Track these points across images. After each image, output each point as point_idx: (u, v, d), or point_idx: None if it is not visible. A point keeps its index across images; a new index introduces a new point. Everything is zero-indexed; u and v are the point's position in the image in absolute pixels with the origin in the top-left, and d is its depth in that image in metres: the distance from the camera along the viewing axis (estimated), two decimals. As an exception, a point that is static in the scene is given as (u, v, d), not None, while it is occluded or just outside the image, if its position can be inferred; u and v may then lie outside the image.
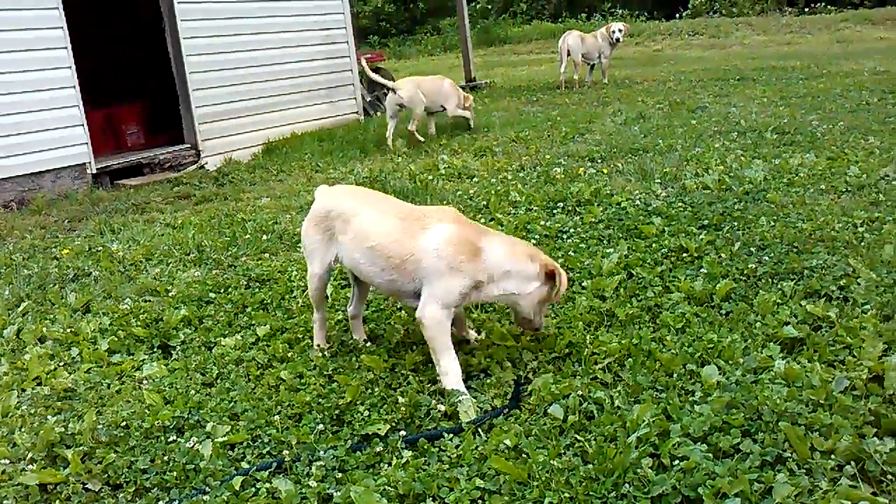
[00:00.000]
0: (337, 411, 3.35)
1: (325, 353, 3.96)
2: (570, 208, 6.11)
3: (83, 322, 4.65)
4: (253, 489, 2.89)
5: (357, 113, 12.38)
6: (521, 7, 32.59)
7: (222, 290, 5.04)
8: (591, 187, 6.42)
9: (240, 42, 10.58)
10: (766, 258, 4.59)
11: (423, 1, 34.07)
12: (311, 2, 11.64)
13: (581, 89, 13.59)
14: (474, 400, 3.34)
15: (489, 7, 32.49)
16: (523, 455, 2.89)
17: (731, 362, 3.41)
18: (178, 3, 9.78)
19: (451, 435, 3.09)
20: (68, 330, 4.58)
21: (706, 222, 5.36)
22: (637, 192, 6.33)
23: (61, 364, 4.18)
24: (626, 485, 2.64)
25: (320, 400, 3.44)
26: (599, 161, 7.72)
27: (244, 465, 3.07)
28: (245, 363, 3.96)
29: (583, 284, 4.49)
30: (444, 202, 6.44)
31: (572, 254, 4.97)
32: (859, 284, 4.07)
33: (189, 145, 10.21)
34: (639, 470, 2.70)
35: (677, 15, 27.49)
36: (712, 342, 3.56)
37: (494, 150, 8.78)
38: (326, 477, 2.91)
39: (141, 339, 4.38)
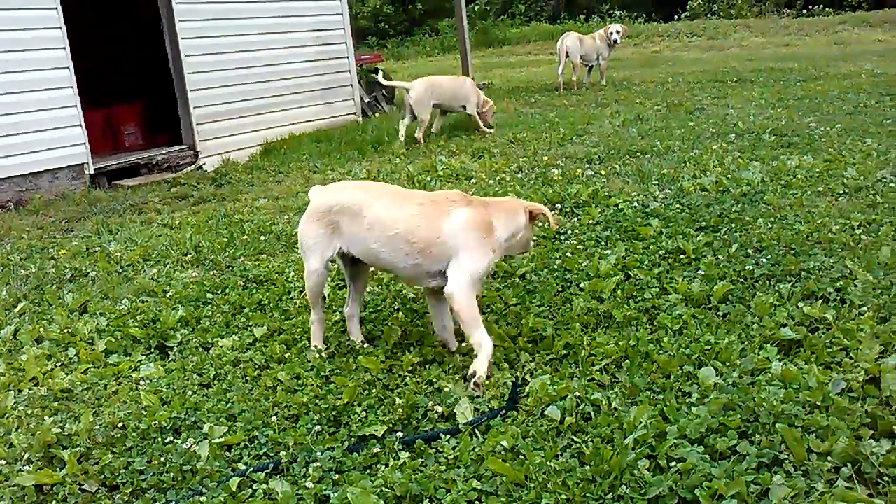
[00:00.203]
0: (334, 412, 3.35)
1: (323, 353, 3.96)
2: (567, 210, 6.11)
3: (80, 323, 4.65)
4: (250, 490, 2.89)
5: (355, 114, 12.38)
6: (519, 8, 32.61)
7: (220, 291, 5.04)
8: (588, 189, 6.43)
9: (238, 43, 10.57)
10: (764, 260, 4.60)
11: (422, 2, 34.07)
12: (310, 3, 11.64)
13: (579, 91, 13.60)
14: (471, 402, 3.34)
15: (488, 8, 32.51)
16: (520, 456, 2.89)
17: (728, 364, 3.41)
18: (177, 3, 9.78)
19: (448, 436, 3.09)
20: (65, 330, 4.58)
21: (704, 224, 5.37)
22: (635, 193, 6.33)
23: (58, 365, 4.18)
24: (623, 486, 2.64)
25: (317, 401, 3.44)
26: (597, 162, 7.73)
27: (241, 466, 3.06)
28: (242, 364, 3.96)
29: (580, 286, 4.49)
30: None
31: (570, 255, 4.97)
32: (856, 286, 4.07)
33: (187, 146, 10.20)
34: (635, 471, 2.70)
35: (675, 17, 27.51)
36: (709, 344, 3.57)
37: (492, 152, 8.79)
38: (323, 478, 2.91)
39: (138, 339, 4.38)
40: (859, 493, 2.51)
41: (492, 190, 6.82)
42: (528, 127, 10.24)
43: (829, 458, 2.68)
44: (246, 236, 6.21)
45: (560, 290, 4.52)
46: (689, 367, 3.41)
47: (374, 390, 3.52)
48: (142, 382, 3.90)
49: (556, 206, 6.19)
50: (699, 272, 4.50)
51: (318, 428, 3.25)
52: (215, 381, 3.82)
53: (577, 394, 3.25)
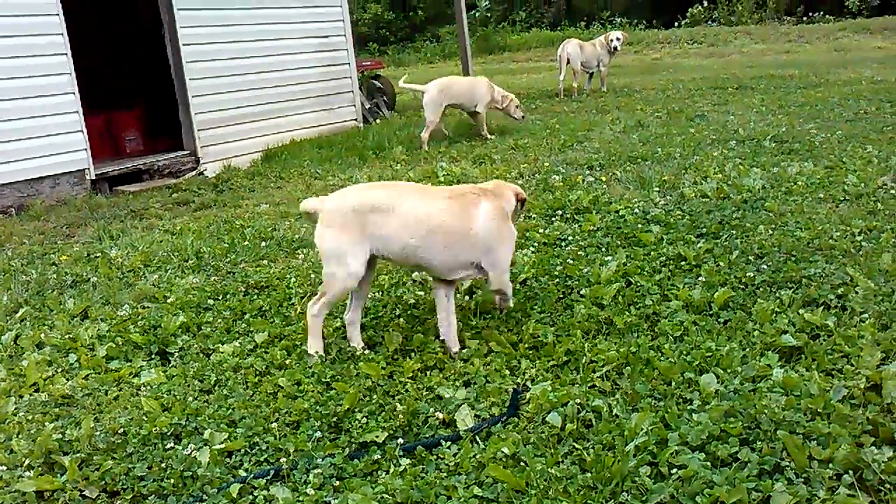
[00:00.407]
0: (335, 419, 3.35)
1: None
2: (568, 216, 6.12)
3: (81, 328, 4.65)
4: (250, 497, 2.89)
5: (356, 120, 12.40)
6: (520, 15, 32.68)
7: (221, 297, 5.04)
8: (589, 195, 6.43)
9: (240, 49, 10.60)
10: (765, 266, 4.60)
11: (423, 9, 34.15)
12: (311, 9, 11.67)
13: (580, 97, 13.62)
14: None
15: (488, 15, 32.56)
16: (521, 463, 2.89)
17: (729, 371, 3.41)
18: (179, 9, 9.80)
19: (449, 443, 3.09)
20: (66, 336, 4.57)
21: (704, 230, 5.37)
22: (635, 200, 6.34)
23: (59, 370, 4.18)
24: (625, 493, 2.64)
25: (318, 407, 3.44)
26: (598, 169, 7.73)
27: (242, 472, 3.06)
28: (243, 370, 3.95)
29: (581, 292, 4.49)
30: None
31: (571, 262, 4.98)
32: (857, 293, 4.07)
33: (188, 152, 10.21)
34: (637, 478, 2.70)
35: (676, 24, 27.55)
36: (710, 350, 3.57)
37: (493, 158, 8.80)
38: (324, 485, 2.91)
39: (139, 345, 4.38)
40: (861, 500, 2.51)
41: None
42: (529, 133, 10.25)
43: (830, 465, 2.67)
44: (247, 242, 6.21)
45: (561, 296, 4.52)
46: (691, 373, 3.41)
47: (374, 396, 3.52)
48: (143, 388, 3.89)
49: (557, 212, 6.19)
50: (700, 279, 4.50)
51: (318, 434, 3.25)
52: (216, 387, 3.81)
53: (579, 400, 3.25)
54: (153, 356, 4.29)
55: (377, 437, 3.17)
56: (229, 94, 10.51)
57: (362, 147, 10.22)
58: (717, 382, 3.30)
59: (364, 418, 3.33)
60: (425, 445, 3.08)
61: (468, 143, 10.01)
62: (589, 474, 2.76)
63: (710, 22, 27.57)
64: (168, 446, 3.27)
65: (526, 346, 3.89)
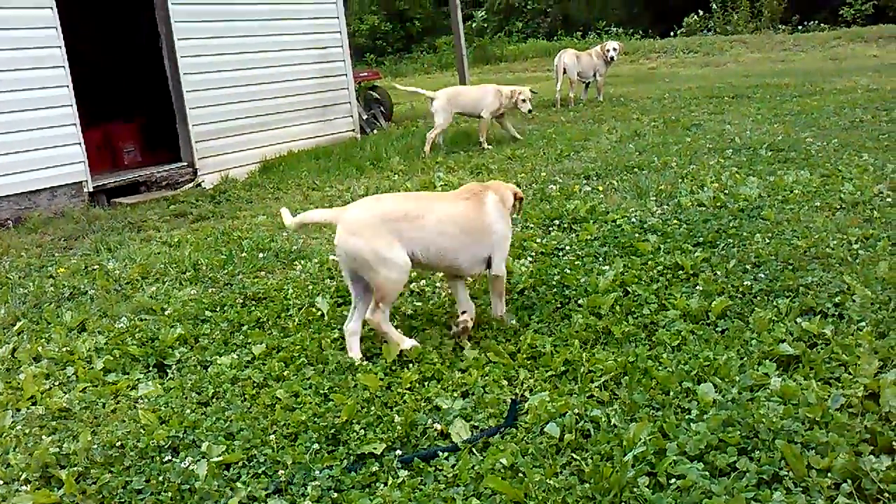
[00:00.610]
0: (332, 430, 3.34)
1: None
2: (565, 226, 6.13)
3: (79, 341, 4.64)
4: (248, 509, 2.88)
5: (353, 131, 12.42)
6: (516, 25, 32.77)
7: (218, 309, 5.04)
8: (586, 205, 6.45)
9: (237, 60, 10.63)
10: (762, 275, 4.61)
11: (419, 20, 34.22)
12: (309, 20, 11.71)
13: (576, 107, 13.66)
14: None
15: (485, 26, 32.66)
16: (520, 474, 2.88)
17: (727, 380, 3.41)
18: (176, 21, 9.83)
19: (447, 454, 3.08)
20: (64, 349, 4.57)
21: (701, 239, 5.38)
22: (632, 209, 6.35)
23: (56, 383, 4.17)
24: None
25: (316, 419, 3.43)
26: (595, 178, 7.75)
27: (239, 485, 3.05)
28: (241, 382, 3.95)
29: (579, 302, 4.49)
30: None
31: (568, 271, 4.98)
32: (854, 301, 4.08)
33: (186, 163, 10.22)
34: (635, 489, 2.69)
35: (672, 33, 27.64)
36: (708, 360, 3.57)
37: (490, 168, 8.81)
38: (322, 497, 2.90)
39: (136, 357, 4.37)
40: (860, 509, 2.51)
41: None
42: (526, 143, 10.29)
43: (829, 474, 2.67)
44: (244, 254, 6.21)
45: (559, 306, 4.53)
46: (689, 383, 3.41)
47: (372, 408, 3.51)
48: (140, 401, 3.89)
49: (555, 222, 6.20)
50: (697, 288, 4.50)
51: (316, 446, 3.24)
52: (214, 400, 3.81)
53: (577, 410, 3.25)
54: (151, 368, 4.28)
55: (375, 448, 3.16)
56: (227, 105, 10.53)
57: (360, 158, 10.24)
58: (715, 392, 3.30)
59: (362, 430, 3.32)
60: (422, 457, 3.07)
61: (465, 153, 10.03)
62: (587, 485, 2.76)
63: (705, 31, 27.67)
64: (166, 459, 3.26)
65: (524, 356, 3.89)
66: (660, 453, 2.87)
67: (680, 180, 7.22)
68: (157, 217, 8.22)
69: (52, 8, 8.63)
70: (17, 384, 4.14)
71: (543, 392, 3.48)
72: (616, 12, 31.96)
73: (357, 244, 3.94)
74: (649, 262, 5.00)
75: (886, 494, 2.56)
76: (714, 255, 5.06)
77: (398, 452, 3.12)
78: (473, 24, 31.82)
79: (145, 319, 4.98)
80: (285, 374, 3.98)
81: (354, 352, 4.10)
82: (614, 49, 14.11)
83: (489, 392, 3.57)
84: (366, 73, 14.71)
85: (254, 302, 5.13)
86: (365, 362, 4.02)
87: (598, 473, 2.77)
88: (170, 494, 2.99)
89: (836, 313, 4.03)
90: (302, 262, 5.87)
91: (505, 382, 3.67)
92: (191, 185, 10.03)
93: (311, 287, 5.21)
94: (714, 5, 27.72)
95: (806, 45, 22.45)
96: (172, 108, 10.14)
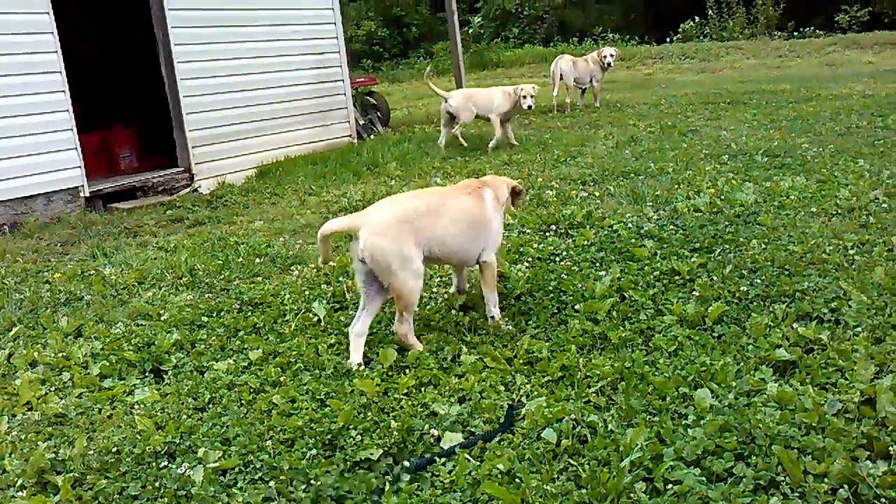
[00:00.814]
0: (329, 436, 3.34)
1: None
2: (562, 231, 6.13)
3: (75, 346, 4.63)
4: (244, 515, 2.87)
5: (350, 136, 12.43)
6: (513, 31, 32.81)
7: (215, 314, 5.03)
8: (583, 210, 6.45)
9: (234, 66, 10.63)
10: (758, 281, 4.61)
11: (416, 25, 34.27)
12: (305, 26, 11.72)
13: (573, 113, 13.68)
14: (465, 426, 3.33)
15: (481, 31, 32.72)
16: (517, 480, 2.88)
17: (723, 385, 3.42)
18: (173, 27, 9.84)
19: (444, 459, 3.08)
20: (60, 354, 4.56)
21: (698, 245, 5.39)
22: (629, 214, 6.36)
23: (52, 389, 4.16)
24: (620, 509, 2.63)
25: (312, 425, 3.43)
26: (591, 184, 7.76)
27: (236, 490, 3.04)
28: (237, 388, 3.94)
29: (575, 308, 4.50)
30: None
31: (565, 277, 4.98)
32: (850, 307, 4.09)
33: (182, 168, 10.22)
34: (632, 494, 2.69)
35: (668, 39, 27.71)
36: (705, 365, 3.57)
37: (487, 174, 8.80)
38: (318, 503, 2.89)
39: (133, 363, 4.36)
40: (856, 514, 2.51)
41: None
42: (523, 148, 10.30)
43: (825, 479, 2.67)
44: (241, 259, 6.20)
45: (555, 311, 4.53)
46: (685, 388, 3.41)
47: (369, 413, 3.51)
48: (136, 407, 3.88)
49: (551, 227, 6.21)
50: (694, 293, 4.51)
51: (313, 452, 3.23)
52: (210, 405, 3.80)
53: (574, 416, 3.25)
54: (147, 374, 4.28)
55: (372, 454, 3.16)
56: (223, 110, 10.53)
57: (356, 163, 10.24)
58: (712, 397, 3.30)
59: (358, 435, 3.32)
60: (419, 466, 3.06)
61: (462, 158, 10.04)
62: (584, 490, 2.75)
63: (701, 37, 27.74)
64: (162, 465, 3.25)
65: (521, 361, 3.89)
66: (657, 459, 2.87)
67: (676, 186, 7.23)
68: (154, 222, 8.21)
69: (48, 13, 8.64)
70: (13, 390, 4.14)
71: (540, 397, 3.48)
72: (612, 18, 32.03)
73: (382, 245, 3.99)
74: (646, 268, 5.01)
75: (883, 499, 2.57)
76: (710, 260, 5.06)
77: (406, 462, 3.09)
78: (470, 30, 31.88)
79: (141, 325, 4.97)
80: (282, 379, 3.97)
81: (357, 355, 4.09)
82: (611, 55, 14.14)
83: (486, 397, 3.57)
84: (363, 79, 14.73)
85: (250, 307, 5.12)
86: (362, 368, 4.02)
87: (595, 479, 2.77)
88: (166, 500, 2.98)
89: (833, 319, 4.03)
90: (298, 267, 5.87)
91: (502, 388, 3.67)
92: (187, 190, 10.02)
93: (307, 292, 5.21)
94: (710, 11, 27.80)
95: (802, 52, 22.51)
96: (169, 114, 10.14)
